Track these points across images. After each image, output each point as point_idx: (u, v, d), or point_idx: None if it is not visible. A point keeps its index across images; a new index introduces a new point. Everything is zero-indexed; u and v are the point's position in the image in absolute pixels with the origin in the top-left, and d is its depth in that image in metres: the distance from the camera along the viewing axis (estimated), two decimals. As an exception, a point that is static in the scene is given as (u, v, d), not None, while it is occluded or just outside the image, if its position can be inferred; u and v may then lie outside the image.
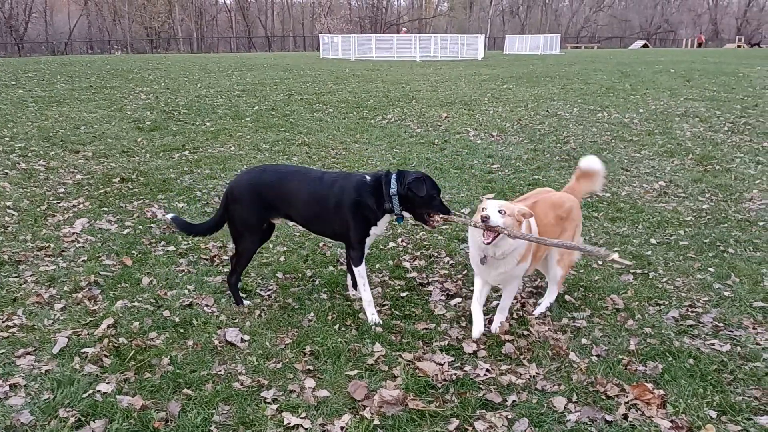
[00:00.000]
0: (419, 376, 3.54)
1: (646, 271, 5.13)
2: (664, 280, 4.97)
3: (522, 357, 3.81)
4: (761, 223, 6.29)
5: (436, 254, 5.50)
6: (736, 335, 4.12)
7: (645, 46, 62.43)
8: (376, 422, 3.13)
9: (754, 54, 36.44)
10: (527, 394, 3.42)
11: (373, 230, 4.18)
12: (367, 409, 3.24)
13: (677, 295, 4.69)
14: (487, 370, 3.65)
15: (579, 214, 4.47)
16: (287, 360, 3.70)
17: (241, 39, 76.96)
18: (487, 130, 11.26)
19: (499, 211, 3.65)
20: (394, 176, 4.06)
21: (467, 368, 3.67)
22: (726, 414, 3.27)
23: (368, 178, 4.13)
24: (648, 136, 10.71)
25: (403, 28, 58.44)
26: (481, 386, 3.49)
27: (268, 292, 4.67)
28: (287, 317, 4.24)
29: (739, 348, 3.94)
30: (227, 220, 4.30)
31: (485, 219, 3.61)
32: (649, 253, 5.52)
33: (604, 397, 3.39)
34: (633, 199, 7.25)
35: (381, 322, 4.17)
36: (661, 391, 3.43)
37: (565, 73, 21.91)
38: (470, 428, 3.11)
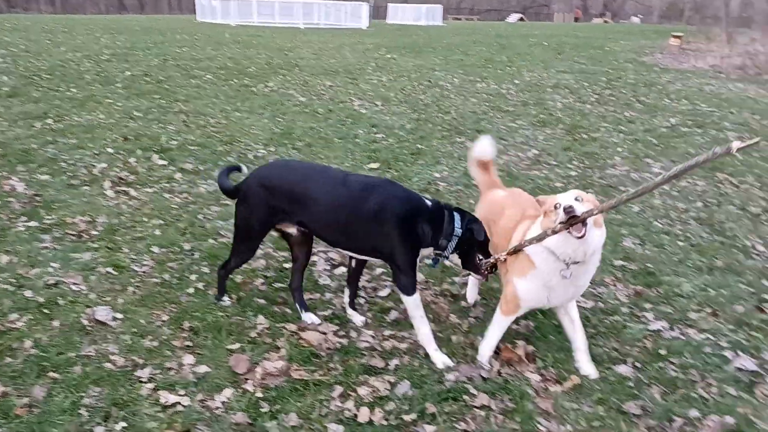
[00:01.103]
0: (303, 347, 3.53)
1: (520, 235, 5.38)
2: (537, 243, 5.24)
3: (406, 321, 3.90)
4: (622, 188, 6.79)
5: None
6: (599, 292, 4.43)
7: (521, 19, 64.87)
8: (259, 395, 3.09)
9: (619, 29, 38.92)
10: (409, 358, 3.51)
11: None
12: (250, 382, 3.18)
13: (548, 257, 4.97)
14: (372, 337, 3.70)
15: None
16: (164, 337, 3.55)
17: (110, 0, 71.80)
18: (372, 99, 11.28)
19: (576, 199, 3.11)
20: (457, 215, 3.50)
21: (352, 335, 3.70)
22: (589, 365, 3.53)
23: (428, 202, 3.54)
24: (523, 106, 11.19)
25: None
26: (364, 353, 3.53)
27: (144, 268, 4.44)
28: (164, 293, 4.06)
29: (601, 304, 4.26)
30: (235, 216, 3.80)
31: (569, 210, 3.00)
32: (523, 217, 5.80)
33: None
34: (509, 167, 7.56)
35: (453, 364, 3.48)
36: (531, 347, 3.64)
37: (446, 44, 22.34)
38: (353, 394, 3.14)
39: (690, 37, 26.09)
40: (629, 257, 4.98)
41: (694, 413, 3.13)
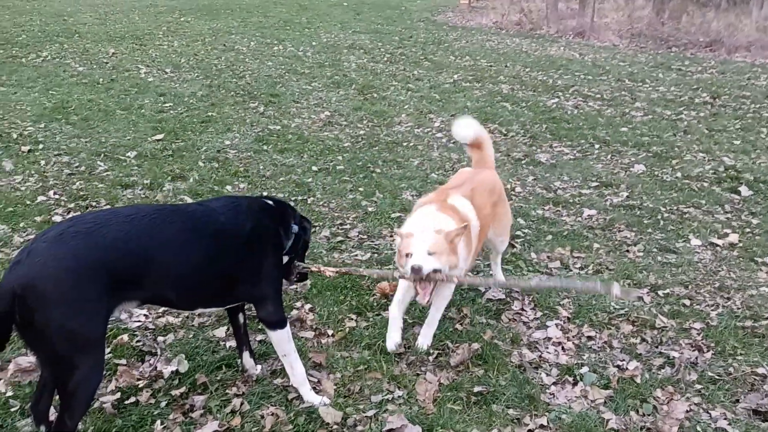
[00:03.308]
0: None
1: (306, 198, 5.52)
2: (321, 203, 5.42)
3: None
4: (405, 144, 7.19)
5: (95, 204, 5.17)
6: (376, 244, 4.71)
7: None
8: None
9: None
10: (184, 332, 3.49)
11: None
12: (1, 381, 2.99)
13: (331, 216, 5.17)
14: (144, 316, 3.62)
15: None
16: None
17: None
18: (161, 66, 10.72)
19: (430, 254, 3.01)
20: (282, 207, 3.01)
21: (123, 316, 3.59)
22: (361, 313, 3.77)
23: (269, 201, 2.97)
24: (319, 68, 11.29)
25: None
26: (136, 333, 3.45)
27: None
28: None
29: (376, 254, 4.53)
30: (29, 337, 2.27)
31: (417, 270, 2.94)
32: (310, 180, 5.94)
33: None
34: (301, 130, 7.64)
35: (329, 402, 3.01)
36: (310, 305, 3.81)
37: (245, 5, 21.70)
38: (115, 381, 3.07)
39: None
40: (406, 209, 5.32)
41: (448, 344, 3.49)
